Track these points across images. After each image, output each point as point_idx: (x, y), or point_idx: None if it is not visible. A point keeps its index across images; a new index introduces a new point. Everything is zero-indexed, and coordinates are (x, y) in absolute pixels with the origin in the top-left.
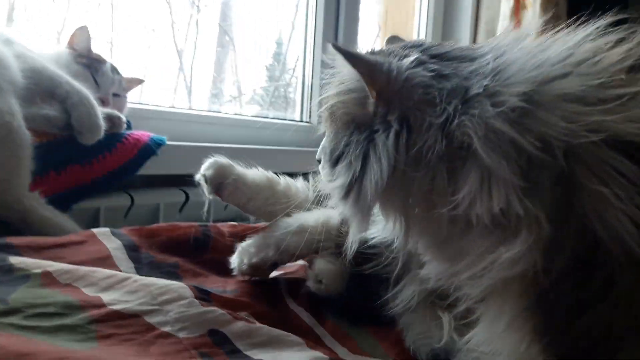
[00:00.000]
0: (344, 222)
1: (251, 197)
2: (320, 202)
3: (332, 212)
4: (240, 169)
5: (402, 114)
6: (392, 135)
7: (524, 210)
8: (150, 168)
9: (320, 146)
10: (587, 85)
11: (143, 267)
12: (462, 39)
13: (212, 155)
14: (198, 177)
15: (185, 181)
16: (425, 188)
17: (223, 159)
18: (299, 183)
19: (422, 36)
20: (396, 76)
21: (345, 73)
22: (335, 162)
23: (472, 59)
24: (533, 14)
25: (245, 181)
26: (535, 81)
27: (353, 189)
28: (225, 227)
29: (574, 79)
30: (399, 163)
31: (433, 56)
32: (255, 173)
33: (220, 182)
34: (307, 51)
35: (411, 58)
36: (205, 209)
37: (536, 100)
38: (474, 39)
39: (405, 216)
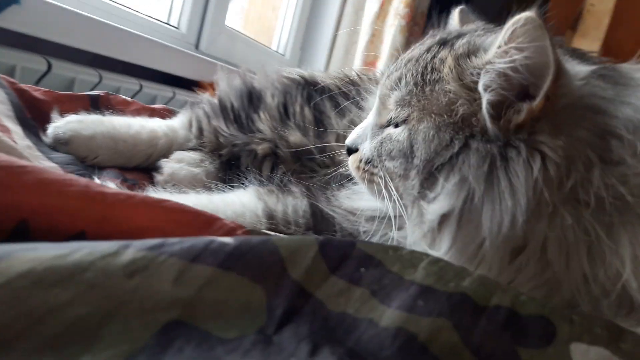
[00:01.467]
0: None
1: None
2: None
3: (252, 201)
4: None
5: (566, 140)
6: (538, 164)
7: None
8: (6, 20)
9: (361, 129)
10: None
11: None
12: (329, 13)
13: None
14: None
15: (49, 49)
16: (570, 240)
17: (82, 123)
18: (176, 121)
19: (288, 19)
20: (578, 88)
21: (513, 52)
22: (434, 172)
23: (627, 86)
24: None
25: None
26: None
27: (462, 219)
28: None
29: None
30: (537, 202)
31: (594, 72)
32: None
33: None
34: None
35: (588, 67)
36: None
37: None
38: (340, 17)
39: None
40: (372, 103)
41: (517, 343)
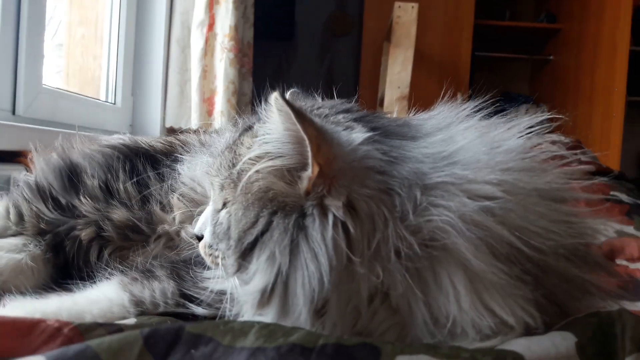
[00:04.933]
0: None
1: None
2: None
3: (117, 294)
4: None
5: (349, 200)
6: (331, 225)
7: (533, 320)
8: None
9: (205, 217)
10: (548, 181)
11: None
12: (157, 27)
13: None
14: None
15: None
16: (378, 292)
17: None
18: None
19: (113, 45)
20: (349, 152)
21: (275, 131)
22: (247, 251)
23: (415, 138)
24: (226, 10)
25: None
26: (504, 169)
27: (276, 292)
28: None
29: (541, 175)
30: (341, 261)
31: (374, 129)
32: None
33: None
34: None
35: (362, 135)
36: None
37: (511, 191)
38: (169, 30)
39: (344, 319)
40: (187, 168)
41: None
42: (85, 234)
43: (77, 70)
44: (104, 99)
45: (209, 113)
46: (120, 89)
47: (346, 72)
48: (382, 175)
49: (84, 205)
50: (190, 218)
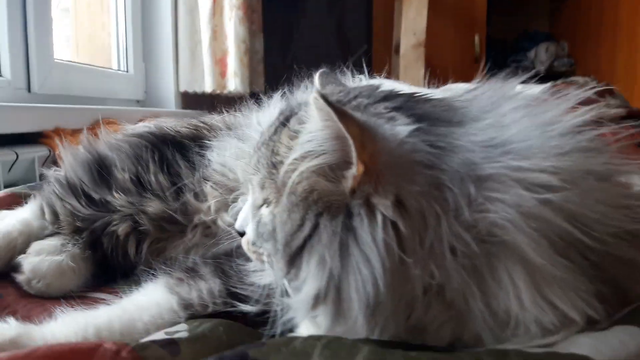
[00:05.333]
0: None
1: None
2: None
3: (165, 298)
4: None
5: (398, 198)
6: (380, 225)
7: (596, 312)
8: None
9: (245, 212)
10: (604, 162)
11: None
12: (163, 18)
13: None
14: None
15: None
16: (433, 285)
17: None
18: (27, 212)
19: (120, 12)
20: (395, 148)
21: (316, 130)
22: (295, 255)
23: (462, 123)
24: None
25: None
26: (558, 153)
27: (329, 298)
28: None
29: (597, 156)
30: (394, 263)
31: (419, 118)
32: None
33: None
34: None
35: (406, 127)
36: None
37: (568, 179)
38: (175, 20)
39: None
40: (217, 154)
41: None
42: (121, 229)
43: (86, 40)
44: (116, 68)
45: (222, 75)
46: (131, 56)
47: (358, 23)
48: (431, 170)
49: (117, 200)
50: (225, 205)
